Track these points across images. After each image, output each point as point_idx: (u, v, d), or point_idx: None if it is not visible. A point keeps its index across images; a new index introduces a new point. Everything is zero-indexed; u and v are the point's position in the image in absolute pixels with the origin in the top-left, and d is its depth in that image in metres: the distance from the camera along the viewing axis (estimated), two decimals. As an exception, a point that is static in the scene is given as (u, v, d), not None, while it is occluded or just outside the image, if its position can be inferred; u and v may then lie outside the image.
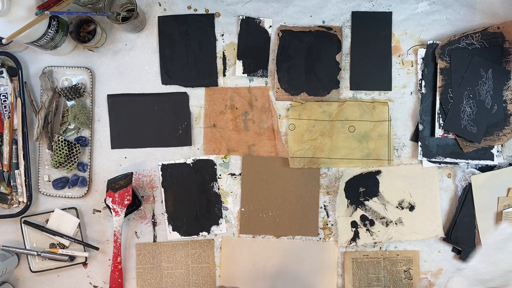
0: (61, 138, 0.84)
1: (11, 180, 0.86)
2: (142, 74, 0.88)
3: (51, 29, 0.78)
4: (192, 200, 0.88)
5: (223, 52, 0.88)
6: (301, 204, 0.87)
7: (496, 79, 0.84)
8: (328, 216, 0.88)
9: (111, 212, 0.82)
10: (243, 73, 0.87)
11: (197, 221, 0.88)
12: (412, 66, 0.88)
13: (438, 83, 0.85)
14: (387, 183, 0.87)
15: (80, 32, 0.85)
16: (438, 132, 0.85)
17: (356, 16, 0.87)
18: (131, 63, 0.88)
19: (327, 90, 0.87)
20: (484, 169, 0.87)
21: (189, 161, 0.88)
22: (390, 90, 0.87)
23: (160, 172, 0.88)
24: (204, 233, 0.88)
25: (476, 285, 0.48)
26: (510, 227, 0.47)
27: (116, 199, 0.81)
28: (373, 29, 0.87)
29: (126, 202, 0.82)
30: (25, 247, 0.86)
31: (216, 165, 0.88)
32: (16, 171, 0.86)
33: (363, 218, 0.87)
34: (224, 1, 0.87)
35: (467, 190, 0.85)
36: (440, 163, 0.86)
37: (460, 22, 0.87)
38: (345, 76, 0.88)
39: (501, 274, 0.47)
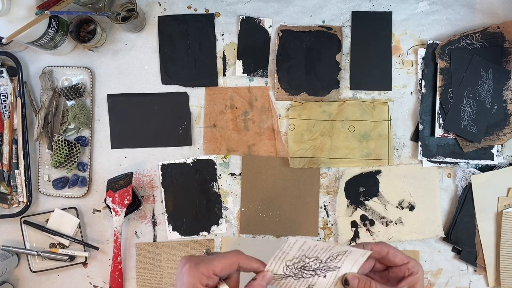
0: (61, 138, 0.84)
1: (11, 180, 0.86)
2: (142, 74, 0.88)
3: (51, 29, 0.78)
4: (192, 200, 0.88)
5: (223, 52, 0.88)
6: (301, 204, 0.87)
7: (496, 79, 0.84)
8: (328, 216, 0.88)
9: (111, 212, 0.82)
10: (243, 73, 0.87)
11: (197, 221, 0.88)
12: (412, 66, 0.88)
13: (438, 83, 0.85)
14: (387, 183, 0.87)
15: (80, 32, 0.85)
16: (438, 132, 0.85)
17: (356, 16, 0.87)
18: (131, 63, 0.88)
19: (327, 90, 0.87)
20: (484, 169, 0.87)
21: (189, 161, 0.88)
22: (390, 90, 0.87)
23: (160, 172, 0.88)
24: (204, 233, 0.88)
25: None
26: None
27: (116, 199, 0.81)
28: (373, 29, 0.87)
29: (126, 202, 0.82)
30: (25, 247, 0.86)
31: (216, 165, 0.88)
32: (16, 171, 0.86)
33: (363, 218, 0.87)
34: (224, 1, 0.87)
35: (467, 190, 0.85)
36: (440, 163, 0.86)
37: (460, 22, 0.87)
38: (345, 76, 0.88)
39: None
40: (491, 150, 0.86)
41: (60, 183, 0.86)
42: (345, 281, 0.50)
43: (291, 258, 0.49)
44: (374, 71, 0.87)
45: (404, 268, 0.51)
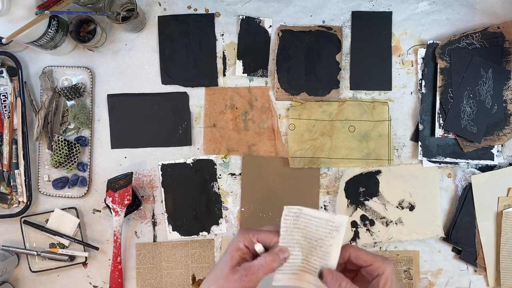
0: (61, 138, 0.84)
1: (11, 180, 0.86)
2: (142, 74, 0.88)
3: (51, 29, 0.78)
4: (192, 200, 0.88)
5: (223, 52, 0.88)
6: (301, 204, 0.87)
7: (496, 79, 0.84)
8: (328, 216, 0.88)
9: (111, 212, 0.82)
10: (243, 73, 0.87)
11: (197, 221, 0.88)
12: (412, 66, 0.88)
13: (438, 83, 0.85)
14: (387, 183, 0.87)
15: (80, 32, 0.85)
16: (438, 132, 0.85)
17: (356, 16, 0.87)
18: (131, 63, 0.88)
19: (327, 90, 0.87)
20: (484, 169, 0.87)
21: (189, 161, 0.88)
22: (390, 90, 0.87)
23: (160, 172, 0.88)
24: (204, 233, 0.88)
25: (295, 272, 0.54)
26: (292, 208, 0.55)
27: (116, 199, 0.81)
28: (373, 29, 0.87)
29: (126, 202, 0.82)
30: (25, 247, 0.86)
31: (216, 165, 0.88)
32: (16, 171, 0.86)
33: (363, 218, 0.87)
34: (224, 1, 0.87)
35: (467, 190, 0.85)
36: (440, 163, 0.86)
37: (460, 22, 0.87)
38: (345, 76, 0.88)
39: (305, 248, 0.54)
40: (491, 150, 0.86)
41: (60, 183, 0.86)
42: (319, 274, 0.52)
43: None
44: (374, 71, 0.87)
45: (371, 269, 0.51)
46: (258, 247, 0.52)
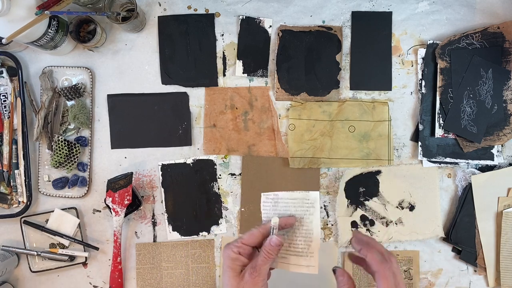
0: (61, 138, 0.84)
1: (11, 180, 0.86)
2: (142, 74, 0.88)
3: (51, 29, 0.78)
4: (192, 200, 0.88)
5: (223, 52, 0.88)
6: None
7: (496, 79, 0.84)
8: (328, 216, 0.88)
9: (111, 212, 0.82)
10: (243, 73, 0.87)
11: (197, 221, 0.88)
12: (412, 66, 0.88)
13: (438, 83, 0.85)
14: (387, 183, 0.87)
15: (80, 32, 0.85)
16: (438, 132, 0.85)
17: (356, 16, 0.87)
18: (131, 63, 0.88)
19: (327, 90, 0.87)
20: (484, 169, 0.87)
21: (189, 161, 0.88)
22: (390, 90, 0.87)
23: (160, 172, 0.88)
24: (204, 233, 0.88)
25: (282, 256, 0.57)
26: (269, 194, 0.59)
27: (116, 199, 0.81)
28: (373, 29, 0.87)
29: (126, 202, 0.82)
30: (25, 247, 0.86)
31: (216, 165, 0.88)
32: (16, 171, 0.86)
33: (363, 218, 0.87)
34: (224, 1, 0.87)
35: (467, 190, 0.85)
36: (440, 163, 0.86)
37: (460, 22, 0.87)
38: (345, 76, 0.88)
39: (289, 231, 0.57)
40: (491, 150, 0.86)
41: (60, 183, 0.86)
42: (333, 270, 0.57)
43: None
44: (374, 71, 0.87)
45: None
46: (274, 220, 0.54)
